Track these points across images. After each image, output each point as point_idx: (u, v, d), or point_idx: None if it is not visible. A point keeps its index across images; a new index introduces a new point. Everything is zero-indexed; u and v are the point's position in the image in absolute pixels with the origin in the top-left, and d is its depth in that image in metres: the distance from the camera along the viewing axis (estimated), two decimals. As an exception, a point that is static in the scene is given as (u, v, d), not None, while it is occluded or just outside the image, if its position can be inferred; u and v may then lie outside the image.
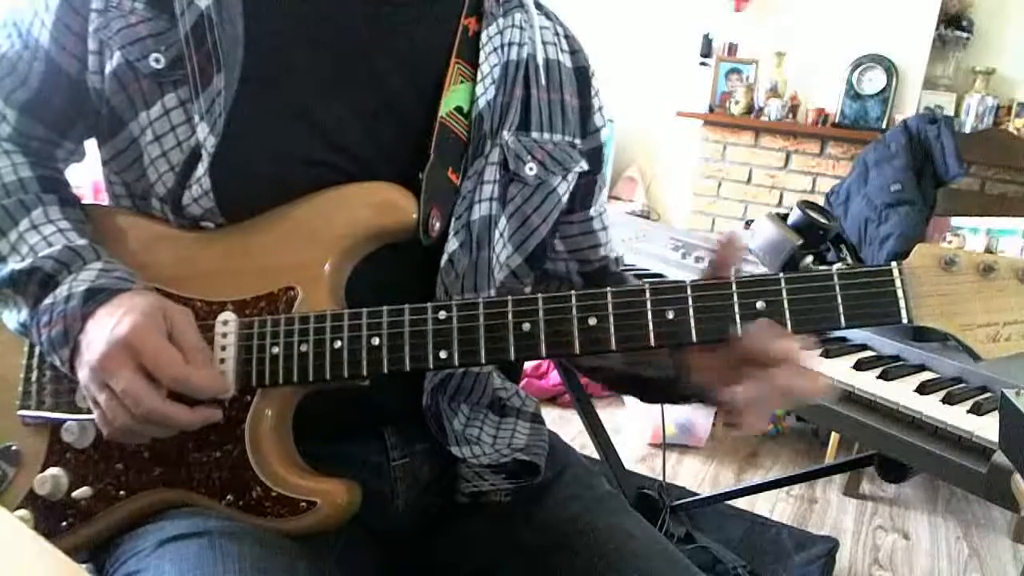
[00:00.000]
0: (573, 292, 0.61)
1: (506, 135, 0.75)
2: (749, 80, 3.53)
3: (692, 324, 0.60)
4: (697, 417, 2.75)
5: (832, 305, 0.59)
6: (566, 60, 0.81)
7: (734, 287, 0.59)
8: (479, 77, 0.73)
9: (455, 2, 0.75)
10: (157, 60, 0.67)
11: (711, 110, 3.60)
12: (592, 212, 0.86)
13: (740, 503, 2.33)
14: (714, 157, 3.62)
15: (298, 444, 0.69)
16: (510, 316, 0.61)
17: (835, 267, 0.62)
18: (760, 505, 2.41)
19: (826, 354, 1.20)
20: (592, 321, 0.60)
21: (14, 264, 0.66)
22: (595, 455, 1.97)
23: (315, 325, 0.64)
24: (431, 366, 0.62)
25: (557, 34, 0.82)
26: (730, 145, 3.58)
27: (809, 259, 1.31)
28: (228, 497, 0.66)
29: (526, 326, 0.61)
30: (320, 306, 0.66)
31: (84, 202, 0.74)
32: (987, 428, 0.96)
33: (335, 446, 0.73)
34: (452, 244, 0.71)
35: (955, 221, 1.93)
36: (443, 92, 0.72)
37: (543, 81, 0.78)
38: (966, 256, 0.59)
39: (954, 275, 0.60)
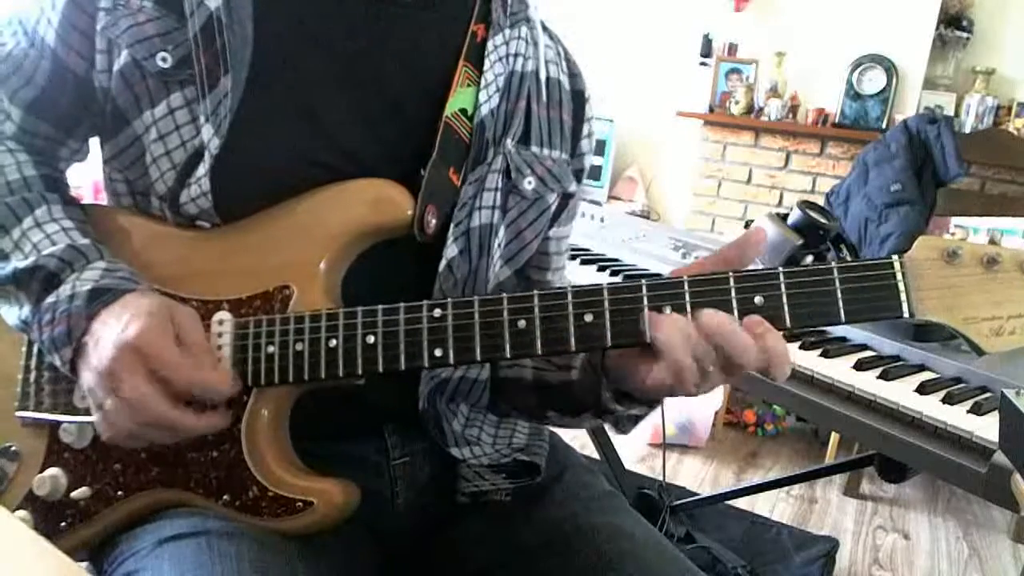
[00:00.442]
0: (569, 289, 0.61)
1: (509, 144, 0.75)
2: (749, 80, 3.52)
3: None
4: (697, 417, 2.75)
5: (831, 299, 0.58)
6: (565, 82, 0.82)
7: (731, 282, 0.59)
8: (483, 84, 0.73)
9: (464, 7, 0.75)
10: (164, 59, 0.67)
11: (711, 110, 3.60)
12: (551, 232, 0.84)
13: (740, 503, 2.33)
14: (714, 157, 3.61)
15: (298, 444, 0.68)
16: (505, 314, 0.61)
17: (834, 261, 0.60)
18: (760, 505, 2.41)
19: (826, 354, 1.20)
20: (588, 318, 0.60)
21: (17, 261, 0.66)
22: (595, 455, 1.97)
23: (310, 324, 0.64)
24: (426, 364, 0.62)
25: (559, 55, 0.82)
26: (730, 145, 3.58)
27: (809, 259, 1.31)
28: (225, 497, 0.66)
29: (522, 323, 0.61)
30: (315, 304, 0.66)
31: (83, 203, 0.74)
32: (987, 428, 0.96)
33: (335, 446, 0.73)
34: (451, 250, 0.71)
35: (955, 221, 1.93)
36: (450, 93, 0.72)
37: (544, 98, 0.78)
38: (969, 248, 0.57)
39: (957, 268, 0.58)
